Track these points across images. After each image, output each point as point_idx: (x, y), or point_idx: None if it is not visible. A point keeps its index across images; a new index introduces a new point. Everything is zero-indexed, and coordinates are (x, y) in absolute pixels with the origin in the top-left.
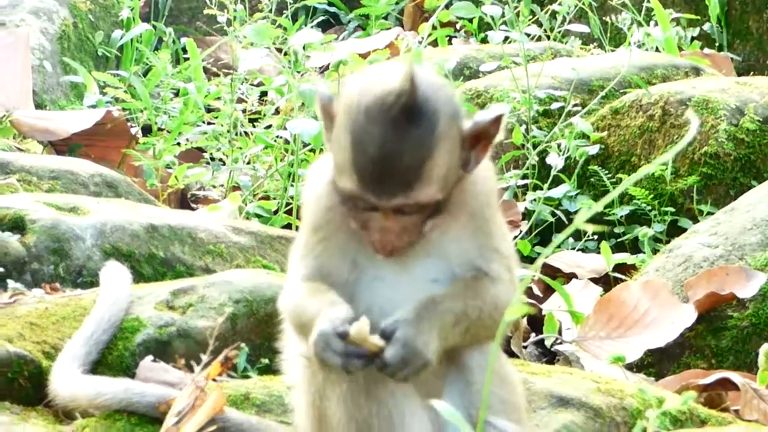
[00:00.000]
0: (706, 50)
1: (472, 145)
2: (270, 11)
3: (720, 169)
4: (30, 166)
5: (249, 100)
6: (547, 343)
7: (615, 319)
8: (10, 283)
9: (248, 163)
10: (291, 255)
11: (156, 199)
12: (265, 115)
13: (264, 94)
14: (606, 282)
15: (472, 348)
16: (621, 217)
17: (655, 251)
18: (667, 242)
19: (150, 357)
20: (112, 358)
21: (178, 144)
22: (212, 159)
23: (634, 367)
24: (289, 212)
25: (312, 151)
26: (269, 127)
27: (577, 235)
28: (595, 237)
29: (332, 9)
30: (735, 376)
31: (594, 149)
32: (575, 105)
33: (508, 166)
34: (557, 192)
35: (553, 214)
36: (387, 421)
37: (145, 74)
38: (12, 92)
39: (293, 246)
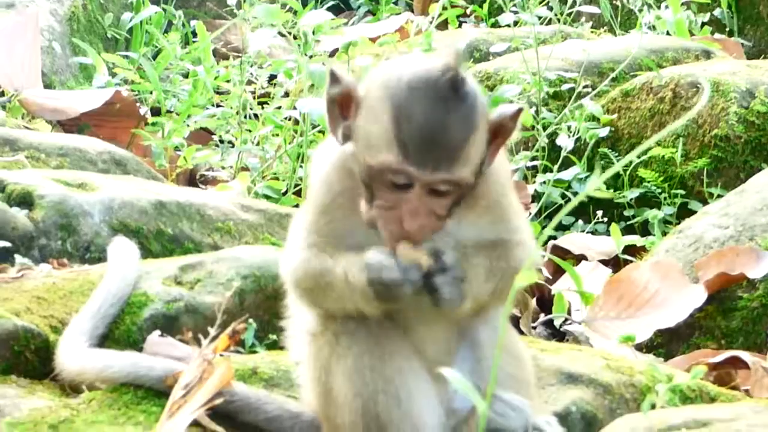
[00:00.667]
0: (717, 35)
1: (491, 138)
2: None
3: (730, 151)
4: (38, 143)
5: (258, 82)
6: (557, 323)
7: (625, 300)
8: (18, 258)
9: (257, 144)
10: (293, 226)
11: (165, 179)
12: (274, 96)
13: (273, 77)
14: (616, 264)
15: (483, 322)
16: (631, 200)
17: (664, 234)
18: (677, 225)
19: (157, 332)
20: (120, 332)
21: (187, 125)
22: (221, 141)
23: (644, 348)
24: (297, 193)
25: (321, 132)
26: (279, 108)
27: (587, 217)
28: (605, 220)
29: None
30: (745, 355)
31: (604, 131)
32: (585, 87)
33: (518, 147)
34: (567, 174)
35: (563, 196)
36: (393, 397)
37: (154, 57)
38: (21, 72)
39: (296, 218)
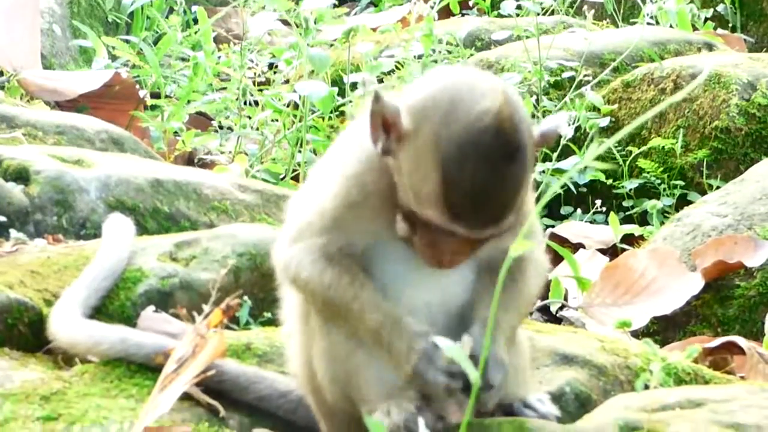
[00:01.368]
0: (720, 31)
1: None
2: None
3: (730, 143)
4: (36, 121)
5: (258, 67)
6: (553, 309)
7: (621, 286)
8: (13, 232)
9: (256, 129)
10: (296, 208)
11: (163, 160)
12: (273, 81)
13: (274, 66)
14: (614, 254)
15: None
16: (630, 190)
17: (663, 225)
18: None
19: (151, 307)
20: (114, 307)
21: (187, 114)
22: (221, 127)
23: (640, 335)
24: (295, 178)
25: (321, 117)
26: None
27: (586, 207)
28: (604, 210)
29: None
30: (741, 340)
31: (604, 122)
32: (586, 76)
33: None
34: (567, 164)
35: (562, 186)
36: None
37: (155, 43)
38: (20, 52)
39: (301, 200)
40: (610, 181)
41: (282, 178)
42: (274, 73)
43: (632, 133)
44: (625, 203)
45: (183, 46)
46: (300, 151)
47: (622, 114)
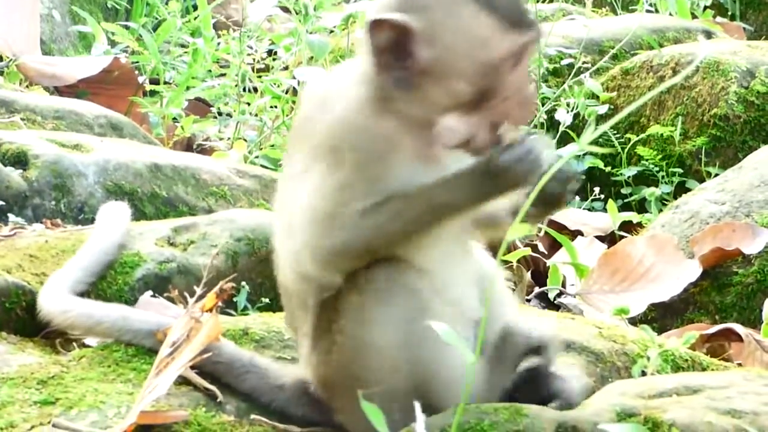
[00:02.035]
0: (719, 19)
1: None
2: None
3: (729, 131)
4: (35, 106)
5: (257, 54)
6: (551, 295)
7: (619, 273)
8: (11, 216)
9: (255, 115)
10: (312, 198)
11: (162, 146)
12: (272, 68)
13: (273, 53)
14: (612, 241)
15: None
16: (628, 177)
17: (661, 212)
18: None
19: (149, 292)
20: (112, 292)
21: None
22: (219, 114)
23: (637, 322)
24: None
25: None
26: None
27: (584, 194)
28: (602, 197)
29: None
30: (738, 327)
31: (603, 109)
32: (585, 63)
33: None
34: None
35: None
36: (436, 343)
37: (154, 29)
38: (19, 37)
39: (308, 190)
40: (608, 169)
41: (280, 164)
42: (273, 59)
43: (631, 120)
44: (623, 190)
45: (182, 33)
46: None
47: (621, 101)
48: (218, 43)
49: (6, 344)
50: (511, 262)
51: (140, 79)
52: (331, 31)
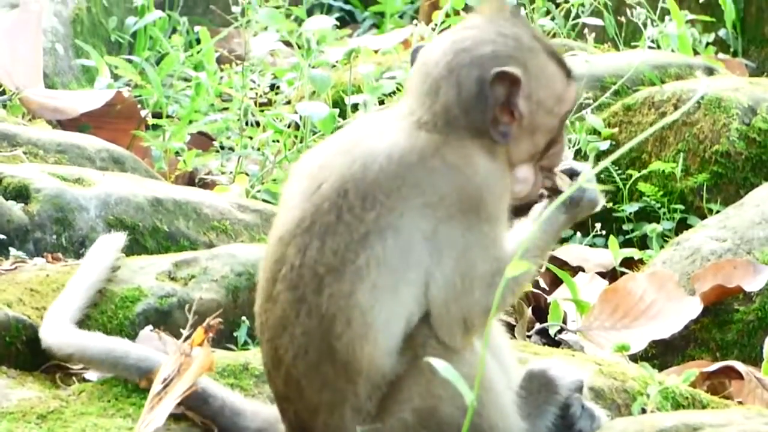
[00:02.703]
0: (721, 56)
1: None
2: (285, 3)
3: (731, 168)
4: (37, 139)
5: (260, 88)
6: (552, 332)
7: (620, 310)
8: (12, 250)
9: (258, 149)
10: (466, 261)
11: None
12: (275, 102)
13: (275, 86)
14: (613, 277)
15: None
16: (630, 213)
17: (662, 249)
18: None
19: (149, 327)
20: (112, 326)
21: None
22: (222, 147)
23: (638, 359)
24: None
25: (322, 138)
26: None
27: (585, 230)
28: (604, 233)
29: (347, 7)
30: (739, 365)
31: (604, 145)
32: (586, 98)
33: None
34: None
35: None
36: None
37: (157, 63)
38: (23, 70)
39: (459, 250)
40: (610, 205)
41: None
42: (276, 93)
43: (632, 156)
44: (624, 227)
45: (185, 66)
46: None
47: (623, 137)
48: (221, 77)
49: (6, 378)
50: None
51: (143, 113)
52: (334, 66)
